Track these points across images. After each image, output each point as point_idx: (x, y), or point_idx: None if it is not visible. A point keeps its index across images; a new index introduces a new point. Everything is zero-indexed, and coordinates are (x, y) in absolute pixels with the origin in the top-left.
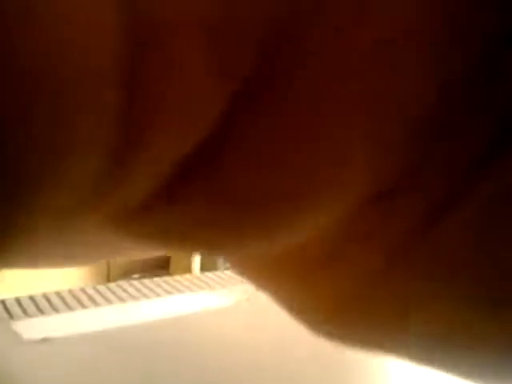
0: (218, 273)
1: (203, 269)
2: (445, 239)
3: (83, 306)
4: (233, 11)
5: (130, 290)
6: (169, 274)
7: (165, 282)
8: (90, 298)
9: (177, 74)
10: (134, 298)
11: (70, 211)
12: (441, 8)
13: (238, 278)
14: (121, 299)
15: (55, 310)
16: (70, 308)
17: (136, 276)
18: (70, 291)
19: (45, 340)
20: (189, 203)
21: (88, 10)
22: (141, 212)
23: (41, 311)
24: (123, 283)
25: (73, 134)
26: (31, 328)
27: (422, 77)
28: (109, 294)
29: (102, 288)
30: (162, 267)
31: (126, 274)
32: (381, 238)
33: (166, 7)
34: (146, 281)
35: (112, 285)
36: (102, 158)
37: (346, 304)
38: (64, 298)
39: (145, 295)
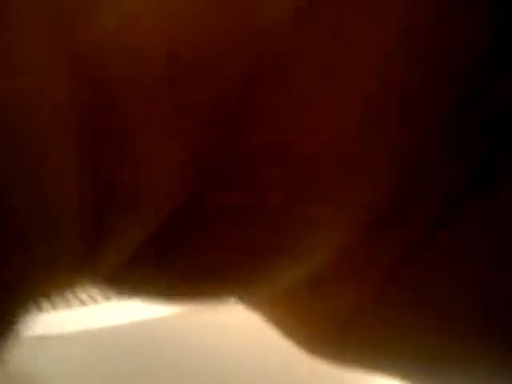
0: None
1: None
2: (425, 271)
3: (82, 303)
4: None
5: None
6: None
7: None
8: (89, 295)
9: (138, 162)
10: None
11: (63, 282)
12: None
13: None
14: (120, 297)
15: (54, 307)
16: (68, 305)
17: None
18: None
19: (43, 337)
20: (160, 272)
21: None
22: (116, 279)
23: (39, 308)
24: None
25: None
26: (29, 325)
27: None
28: (108, 292)
29: None
30: None
31: None
32: (370, 269)
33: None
34: None
35: None
36: (79, 243)
37: (337, 329)
38: (63, 296)
39: None
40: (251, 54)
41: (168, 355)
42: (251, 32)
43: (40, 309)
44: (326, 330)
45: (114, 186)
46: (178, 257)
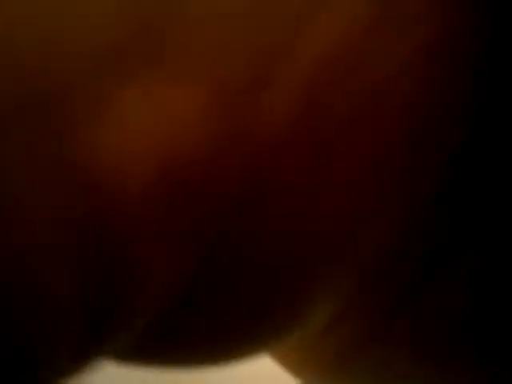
0: None
1: None
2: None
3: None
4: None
5: None
6: None
7: None
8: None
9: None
10: None
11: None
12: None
13: None
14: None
15: None
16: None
17: None
18: None
19: None
20: (163, 356)
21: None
22: (127, 359)
23: None
24: None
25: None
26: None
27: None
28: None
29: None
30: None
31: None
32: (350, 322)
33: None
34: None
35: None
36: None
37: (328, 372)
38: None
39: None
40: (247, 169)
41: None
42: (247, 147)
43: None
44: (322, 373)
45: (112, 285)
46: (186, 334)
